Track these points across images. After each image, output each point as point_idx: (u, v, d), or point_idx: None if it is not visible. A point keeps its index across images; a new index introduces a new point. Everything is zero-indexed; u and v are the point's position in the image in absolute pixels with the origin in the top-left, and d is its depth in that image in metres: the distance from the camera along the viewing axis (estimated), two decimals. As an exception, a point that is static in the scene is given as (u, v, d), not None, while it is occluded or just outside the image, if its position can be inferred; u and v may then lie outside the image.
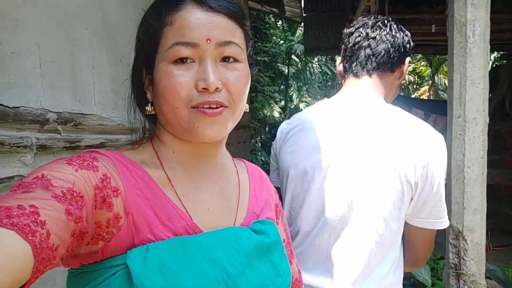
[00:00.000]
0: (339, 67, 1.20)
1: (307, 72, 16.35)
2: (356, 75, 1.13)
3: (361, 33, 1.12)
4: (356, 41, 1.12)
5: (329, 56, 16.34)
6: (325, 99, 1.19)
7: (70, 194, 0.48)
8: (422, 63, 17.54)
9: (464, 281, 1.76)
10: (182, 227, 0.60)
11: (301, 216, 1.07)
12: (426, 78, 17.90)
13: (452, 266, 1.80)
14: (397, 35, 1.11)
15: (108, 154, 0.60)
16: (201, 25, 0.58)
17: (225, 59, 0.61)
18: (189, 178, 0.65)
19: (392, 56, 1.10)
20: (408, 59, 1.16)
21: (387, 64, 1.11)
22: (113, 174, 0.57)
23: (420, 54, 16.17)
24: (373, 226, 1.00)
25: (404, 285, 1.13)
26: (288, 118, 1.29)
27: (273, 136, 16.76)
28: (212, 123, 0.60)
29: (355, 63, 1.13)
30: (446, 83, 17.06)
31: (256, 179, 0.79)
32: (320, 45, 8.19)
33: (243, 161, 0.81)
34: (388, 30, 1.11)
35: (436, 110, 6.52)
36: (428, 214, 1.03)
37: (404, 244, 1.11)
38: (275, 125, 16.49)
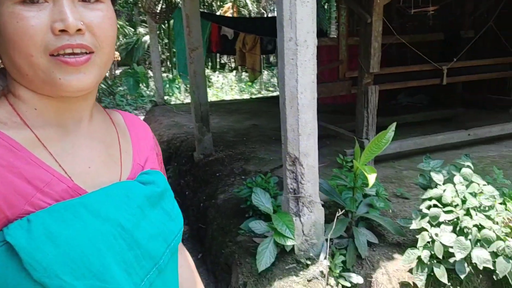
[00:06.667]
0: None
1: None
2: None
3: None
4: None
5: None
6: None
7: None
8: (223, -21, 17.54)
9: (303, 203, 1.83)
10: (64, 191, 0.55)
11: None
12: (228, -5, 18.15)
13: (291, 191, 1.84)
14: None
15: None
16: None
17: None
18: (62, 136, 0.59)
19: None
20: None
21: None
22: None
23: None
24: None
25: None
26: None
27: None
28: (77, 73, 0.54)
29: None
30: (247, 0, 17.81)
31: (136, 128, 0.75)
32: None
33: (118, 111, 0.76)
34: None
35: (243, 28, 6.75)
36: None
37: None
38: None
